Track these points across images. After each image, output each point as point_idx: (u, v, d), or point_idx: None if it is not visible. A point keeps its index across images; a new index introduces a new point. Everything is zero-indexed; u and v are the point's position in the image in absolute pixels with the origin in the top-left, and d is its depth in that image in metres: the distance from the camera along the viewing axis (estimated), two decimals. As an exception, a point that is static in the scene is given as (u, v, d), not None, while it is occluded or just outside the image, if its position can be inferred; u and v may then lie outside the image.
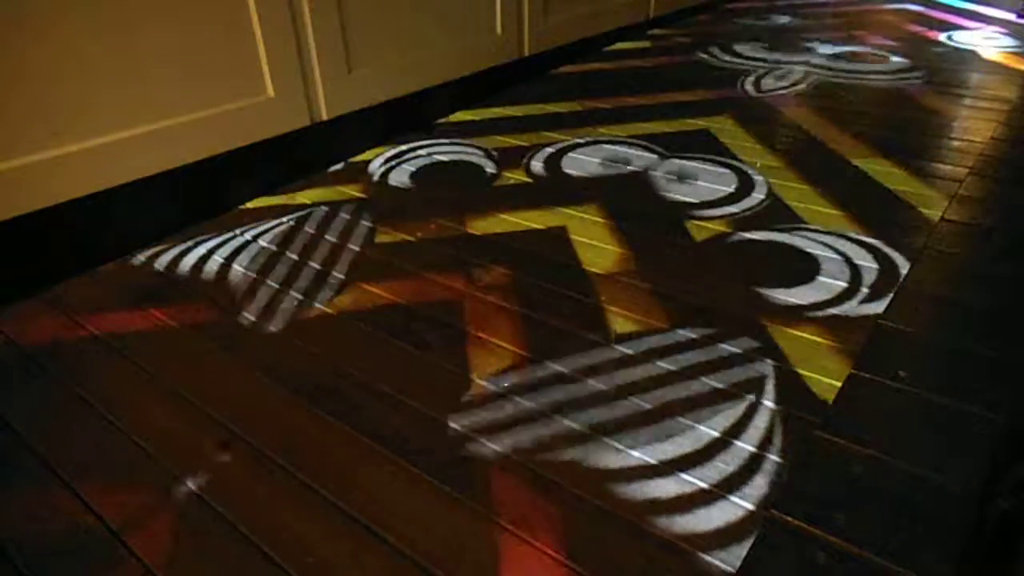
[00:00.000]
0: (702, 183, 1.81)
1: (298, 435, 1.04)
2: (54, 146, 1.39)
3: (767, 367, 1.14)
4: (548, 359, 1.18)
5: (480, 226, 1.63)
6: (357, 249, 1.55)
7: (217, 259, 1.52)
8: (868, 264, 1.43)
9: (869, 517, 0.88)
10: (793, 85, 2.61)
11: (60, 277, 1.46)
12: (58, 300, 1.39)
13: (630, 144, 2.08)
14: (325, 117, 1.91)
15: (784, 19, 3.76)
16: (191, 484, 0.96)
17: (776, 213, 1.66)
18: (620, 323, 1.27)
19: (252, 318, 1.32)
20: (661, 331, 1.24)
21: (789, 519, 0.88)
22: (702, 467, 0.96)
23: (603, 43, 3.12)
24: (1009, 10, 3.78)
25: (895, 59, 2.91)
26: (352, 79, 1.95)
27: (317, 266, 1.48)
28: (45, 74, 1.35)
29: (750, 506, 0.90)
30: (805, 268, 1.42)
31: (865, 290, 1.34)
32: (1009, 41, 3.20)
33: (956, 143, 2.02)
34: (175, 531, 0.89)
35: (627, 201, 1.73)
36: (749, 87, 2.60)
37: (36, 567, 0.86)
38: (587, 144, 2.09)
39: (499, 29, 2.43)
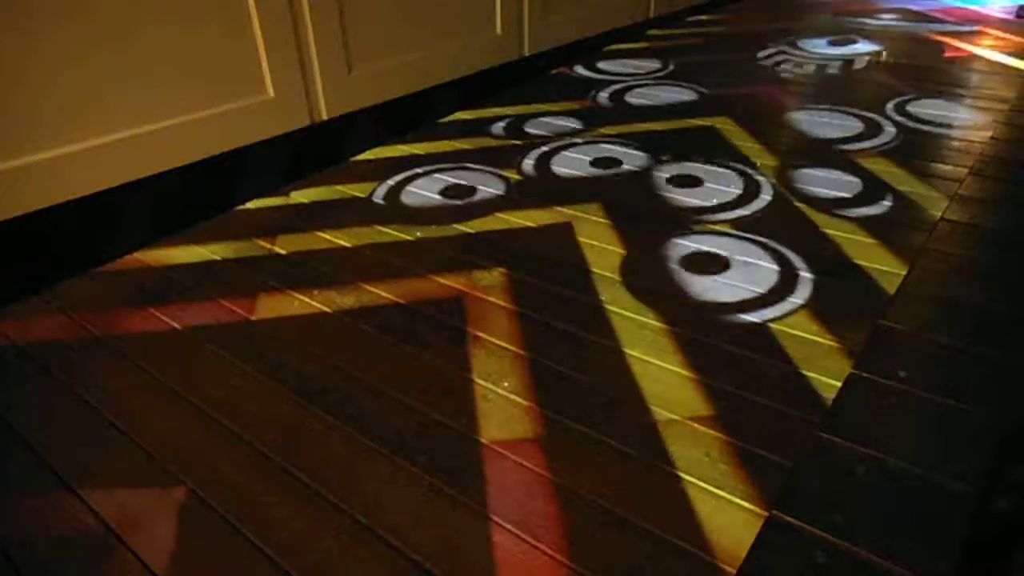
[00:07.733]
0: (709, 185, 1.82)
1: (299, 435, 1.04)
2: (54, 146, 1.39)
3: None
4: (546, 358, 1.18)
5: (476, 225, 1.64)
6: (357, 247, 1.55)
7: (218, 259, 1.53)
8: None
9: (869, 517, 0.88)
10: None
11: (60, 277, 1.46)
12: (58, 300, 1.39)
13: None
14: (325, 117, 1.91)
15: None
16: (191, 484, 0.96)
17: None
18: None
19: (253, 318, 1.32)
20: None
21: (789, 519, 0.88)
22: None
23: (603, 43, 3.12)
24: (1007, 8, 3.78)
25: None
26: (352, 79, 1.95)
27: (318, 266, 1.49)
28: (45, 74, 1.35)
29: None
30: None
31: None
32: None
33: (956, 143, 2.02)
34: (175, 531, 0.89)
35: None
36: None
37: (36, 567, 0.86)
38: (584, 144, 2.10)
39: (499, 29, 2.43)
